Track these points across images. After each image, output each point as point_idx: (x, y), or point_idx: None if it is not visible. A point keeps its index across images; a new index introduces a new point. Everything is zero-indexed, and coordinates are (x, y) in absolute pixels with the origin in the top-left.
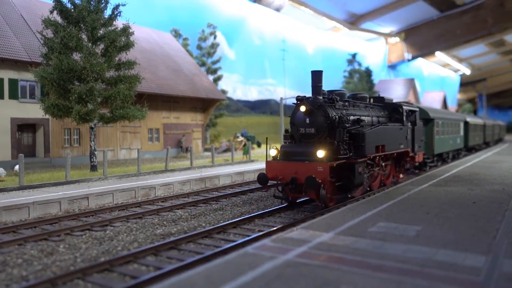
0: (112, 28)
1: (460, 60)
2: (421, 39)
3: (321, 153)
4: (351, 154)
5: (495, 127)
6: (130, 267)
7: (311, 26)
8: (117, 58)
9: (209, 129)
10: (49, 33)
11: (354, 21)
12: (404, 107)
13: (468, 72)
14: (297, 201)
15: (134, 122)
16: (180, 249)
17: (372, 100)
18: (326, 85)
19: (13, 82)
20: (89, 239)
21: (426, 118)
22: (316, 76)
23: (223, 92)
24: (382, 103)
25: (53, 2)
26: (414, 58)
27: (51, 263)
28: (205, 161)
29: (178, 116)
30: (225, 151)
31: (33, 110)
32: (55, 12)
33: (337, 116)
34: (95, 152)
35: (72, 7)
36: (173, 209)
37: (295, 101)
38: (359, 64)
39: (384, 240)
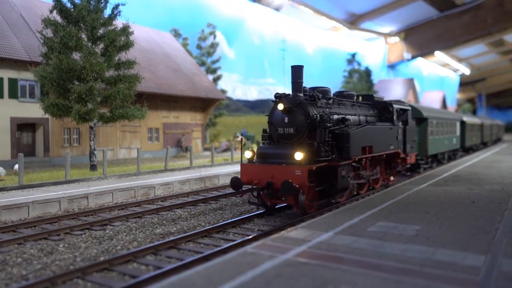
0: (112, 27)
1: (460, 60)
2: (421, 39)
3: (299, 155)
4: (333, 156)
5: (493, 126)
6: (130, 267)
7: (311, 25)
8: (116, 58)
9: (209, 129)
10: (48, 33)
11: (353, 21)
12: (394, 105)
13: (467, 72)
14: (276, 207)
15: (133, 121)
16: (180, 249)
17: (360, 98)
18: (326, 85)
19: (12, 82)
20: (89, 238)
21: (419, 117)
22: (296, 71)
23: (223, 91)
24: (371, 101)
25: (52, 1)
26: (413, 58)
27: (51, 262)
28: (205, 161)
29: (177, 116)
30: (225, 150)
31: (32, 110)
32: (54, 11)
33: (318, 115)
34: (95, 152)
35: (72, 6)
36: (173, 208)
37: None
38: (359, 64)
39: (384, 239)
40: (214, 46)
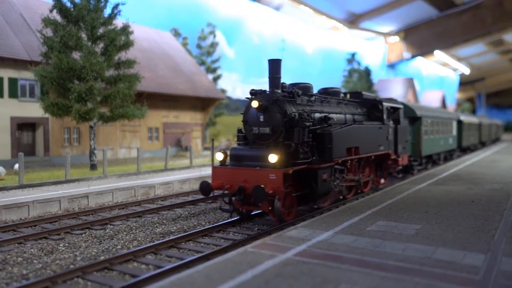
0: (112, 27)
1: (459, 60)
2: (420, 38)
3: (273, 158)
4: (314, 158)
5: (492, 126)
6: (130, 266)
7: (311, 25)
8: (116, 57)
9: (209, 128)
10: (48, 32)
11: (353, 20)
12: (384, 103)
13: (467, 71)
14: (252, 213)
15: (133, 121)
16: (180, 248)
17: (348, 96)
18: (326, 85)
19: (12, 81)
20: (89, 238)
21: (412, 116)
22: (273, 65)
23: (223, 91)
24: (359, 99)
25: (52, 1)
26: (413, 57)
27: (51, 262)
28: (205, 160)
29: (177, 115)
30: None
31: (32, 109)
32: (54, 11)
33: (296, 113)
34: (95, 151)
35: (72, 6)
36: (173, 207)
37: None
38: (359, 64)
39: (384, 238)
40: (214, 45)
